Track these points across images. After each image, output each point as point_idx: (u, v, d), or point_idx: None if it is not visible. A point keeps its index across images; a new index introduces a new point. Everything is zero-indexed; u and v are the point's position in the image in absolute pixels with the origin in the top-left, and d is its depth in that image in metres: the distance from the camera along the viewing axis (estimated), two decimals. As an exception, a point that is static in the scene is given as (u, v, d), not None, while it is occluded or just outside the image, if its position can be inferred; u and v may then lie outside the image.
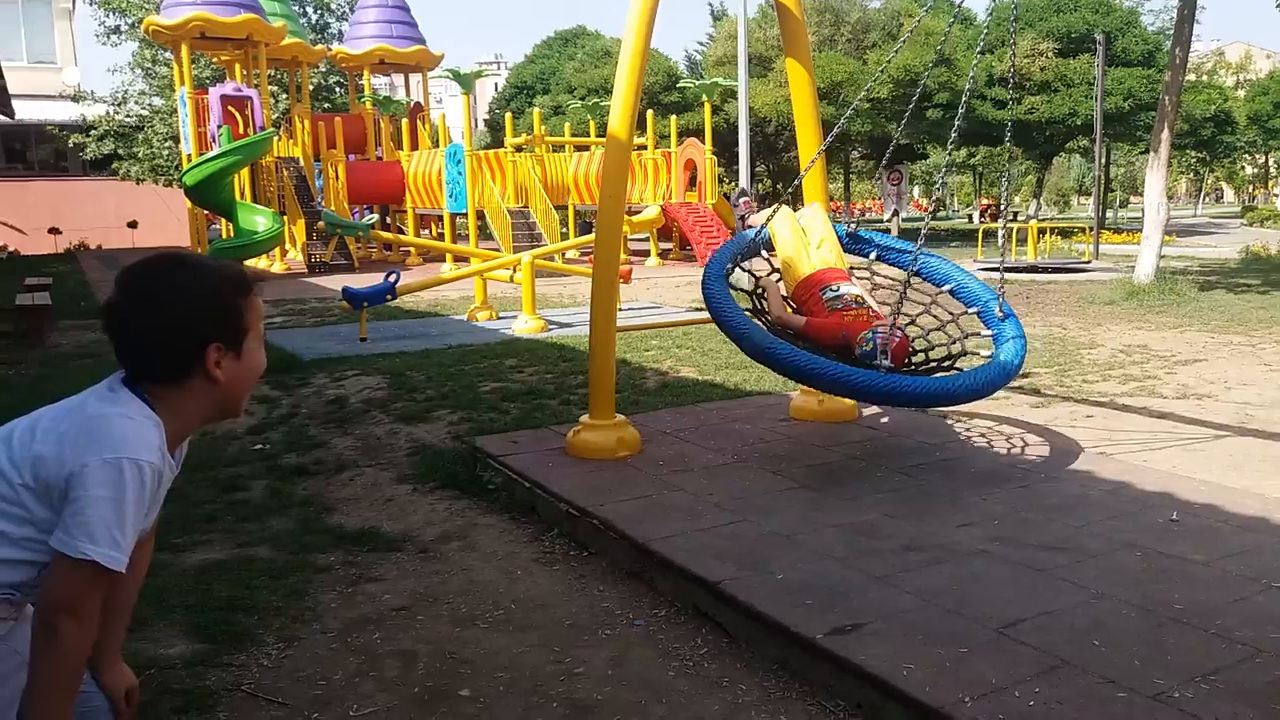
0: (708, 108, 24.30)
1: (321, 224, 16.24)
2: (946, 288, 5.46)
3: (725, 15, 41.40)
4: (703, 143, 23.75)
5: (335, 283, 15.36)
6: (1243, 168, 65.95)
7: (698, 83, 25.94)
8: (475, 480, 5.11)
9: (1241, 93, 51.33)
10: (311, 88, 30.78)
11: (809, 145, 5.91)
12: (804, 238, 5.52)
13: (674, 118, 25.96)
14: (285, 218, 21.54)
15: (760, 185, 46.15)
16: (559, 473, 4.85)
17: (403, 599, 3.76)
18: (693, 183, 24.52)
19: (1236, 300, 12.50)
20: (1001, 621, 3.08)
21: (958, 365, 5.20)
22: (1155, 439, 5.54)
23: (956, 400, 4.78)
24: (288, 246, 22.76)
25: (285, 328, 11.50)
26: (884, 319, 4.98)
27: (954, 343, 5.33)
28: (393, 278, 10.44)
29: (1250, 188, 69.75)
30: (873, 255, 5.76)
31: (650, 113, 25.30)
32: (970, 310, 5.35)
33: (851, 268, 5.63)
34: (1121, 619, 3.09)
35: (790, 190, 5.72)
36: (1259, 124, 47.50)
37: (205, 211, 21.84)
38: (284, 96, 29.96)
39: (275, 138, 22.66)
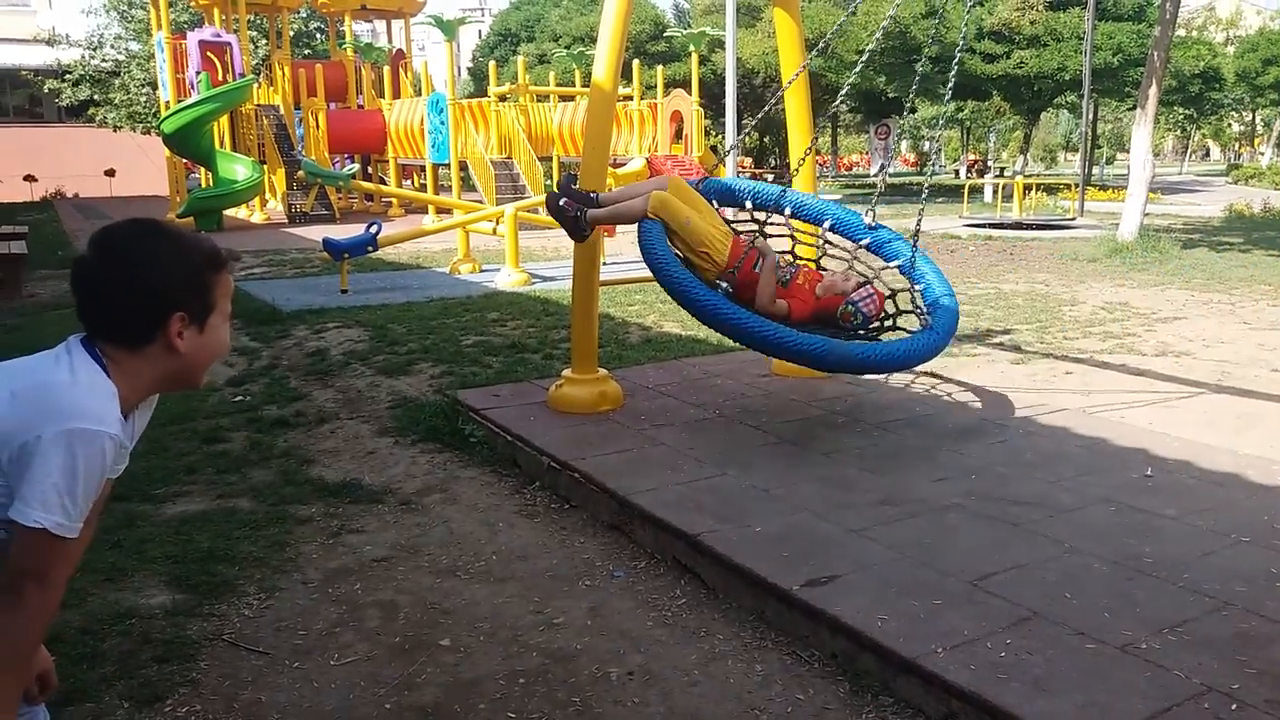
0: (695, 58, 24.01)
1: (302, 173, 16.03)
2: (826, 225, 5.30)
3: (713, -37, 40.72)
4: (689, 94, 23.53)
5: (316, 233, 15.22)
6: (1229, 125, 65.91)
7: (685, 32, 25.62)
8: (457, 433, 5.11)
9: (1231, 49, 51.08)
10: (292, 34, 30.22)
11: (796, 98, 5.86)
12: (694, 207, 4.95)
13: (660, 68, 25.66)
14: (265, 166, 21.26)
15: (748, 139, 45.76)
16: (541, 426, 4.86)
17: (383, 550, 3.78)
18: (679, 135, 24.32)
19: (1218, 259, 12.56)
20: (975, 574, 3.13)
21: (899, 325, 5.11)
22: (1133, 396, 5.59)
23: (905, 365, 4.66)
24: (268, 196, 22.49)
25: (265, 278, 11.41)
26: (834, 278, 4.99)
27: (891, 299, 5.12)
28: (374, 229, 10.36)
29: (1236, 145, 69.76)
30: (748, 204, 5.35)
31: (636, 63, 24.97)
32: (890, 265, 5.18)
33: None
34: (1093, 572, 3.14)
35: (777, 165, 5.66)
36: (1247, 81, 47.35)
37: (184, 160, 21.53)
38: (264, 43, 29.46)
39: (255, 85, 22.30)
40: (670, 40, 28.22)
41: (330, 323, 8.14)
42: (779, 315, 4.70)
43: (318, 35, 35.77)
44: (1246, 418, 5.16)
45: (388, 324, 7.92)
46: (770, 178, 33.18)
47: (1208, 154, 78.37)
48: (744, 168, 36.75)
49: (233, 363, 6.98)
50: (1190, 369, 6.35)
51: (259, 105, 22.50)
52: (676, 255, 4.63)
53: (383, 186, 22.12)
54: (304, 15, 33.84)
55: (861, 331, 4.83)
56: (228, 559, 3.64)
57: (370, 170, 26.81)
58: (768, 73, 29.78)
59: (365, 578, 3.53)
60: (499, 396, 5.48)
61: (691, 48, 24.16)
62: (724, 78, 14.64)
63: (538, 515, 4.14)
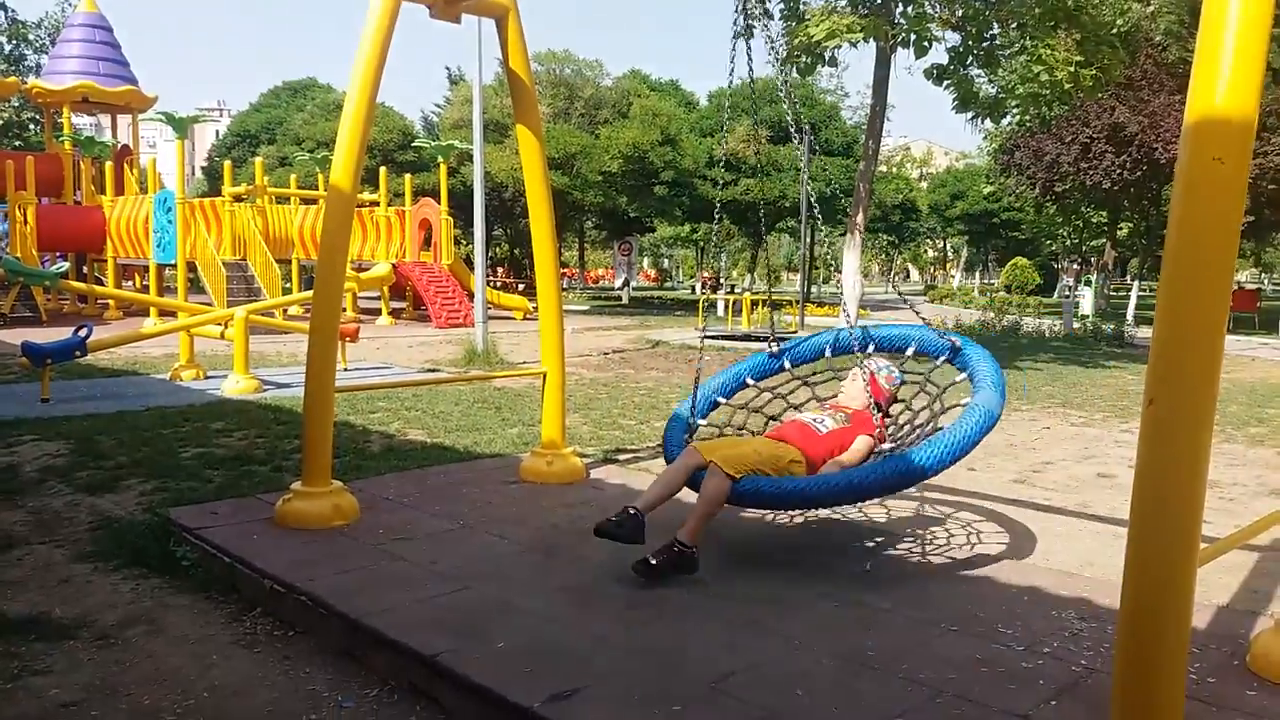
0: (444, 169, 24.22)
1: (1, 271, 14.49)
2: (910, 350, 5.27)
3: (462, 79, 41.70)
4: (438, 203, 23.61)
5: (16, 336, 13.72)
6: (925, 251, 74.33)
7: (434, 144, 25.85)
8: (168, 556, 4.63)
9: (924, 184, 58.04)
10: (1, 123, 27.72)
11: (539, 211, 6.00)
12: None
13: (409, 176, 25.67)
14: (-44, 263, 19.03)
15: (498, 249, 46.38)
16: (264, 545, 4.51)
17: (74, 693, 3.31)
18: (428, 243, 24.25)
19: (919, 368, 13.89)
20: (715, 675, 3.16)
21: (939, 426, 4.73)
22: (853, 495, 5.98)
23: (934, 470, 4.24)
24: (-42, 295, 20.13)
25: (-53, 387, 10.09)
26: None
27: (935, 406, 4.98)
28: (84, 332, 9.48)
29: (932, 269, 78.61)
30: (786, 364, 5.48)
31: (383, 170, 24.86)
32: (938, 363, 5.17)
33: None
34: (821, 667, 3.26)
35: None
36: (938, 213, 53.84)
37: None
38: (-37, 129, 26.81)
39: (-53, 173, 20.14)
40: (419, 150, 28.36)
41: (26, 435, 7.28)
42: (876, 445, 4.71)
43: (31, 126, 33.07)
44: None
45: (94, 435, 7.19)
46: (521, 287, 33.66)
47: (908, 276, 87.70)
48: (494, 277, 37.12)
49: (-105, 483, 6.05)
50: (902, 469, 6.88)
51: (-48, 195, 20.31)
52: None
53: (97, 287, 20.43)
54: (16, 104, 31.25)
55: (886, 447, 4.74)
56: None
57: (86, 269, 24.71)
58: (516, 187, 30.48)
59: (48, 728, 3.07)
60: (217, 514, 5.05)
61: (440, 158, 24.38)
62: (473, 189, 14.81)
63: (258, 645, 3.80)
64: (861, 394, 4.95)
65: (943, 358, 5.06)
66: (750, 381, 5.47)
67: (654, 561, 4.08)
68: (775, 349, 5.47)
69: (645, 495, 4.39)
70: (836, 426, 4.76)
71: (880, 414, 4.89)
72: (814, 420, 4.83)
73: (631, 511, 4.24)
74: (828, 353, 5.41)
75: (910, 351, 5.24)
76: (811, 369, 5.58)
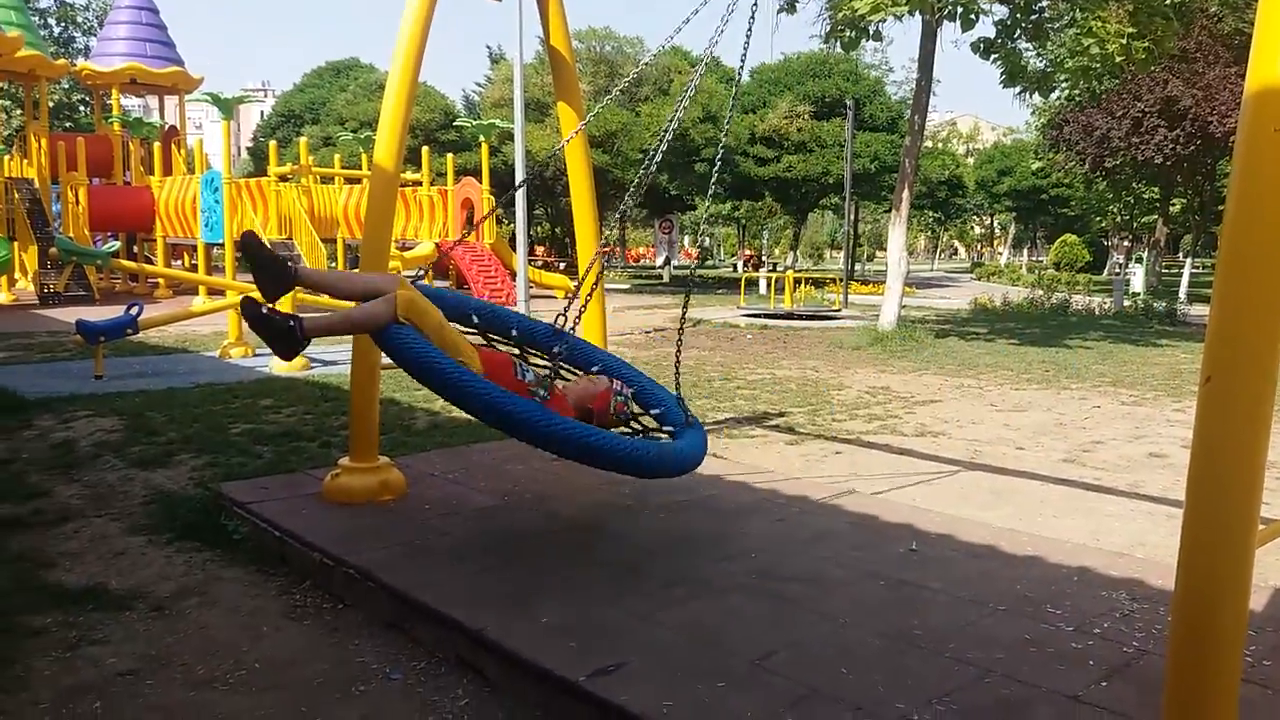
0: (485, 148, 24.28)
1: (55, 250, 14.81)
2: (654, 411, 5.05)
3: (503, 58, 41.66)
4: (480, 182, 23.69)
5: (70, 315, 14.04)
6: (972, 228, 73.16)
7: (475, 123, 25.90)
8: (219, 530, 4.73)
9: (971, 160, 57.07)
10: (52, 105, 28.26)
11: (580, 189, 5.99)
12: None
13: (450, 156, 25.76)
14: (15, 243, 19.54)
15: (539, 228, 46.51)
16: (313, 520, 4.58)
17: (130, 662, 3.40)
18: (470, 222, 24.35)
19: (967, 347, 13.74)
20: (756, 653, 3.16)
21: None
22: (896, 473, 5.94)
23: (638, 470, 4.30)
24: (17, 275, 20.64)
25: (8, 364, 10.35)
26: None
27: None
28: (135, 310, 9.66)
29: (979, 246, 77.41)
30: (475, 319, 5.07)
31: (425, 149, 24.97)
32: (664, 428, 5.00)
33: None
34: (866, 646, 3.25)
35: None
36: (985, 189, 52.95)
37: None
38: (18, 112, 27.40)
39: (6, 156, 20.62)
40: (460, 130, 28.46)
41: (81, 411, 7.45)
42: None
43: (81, 108, 33.65)
44: (996, 492, 5.58)
45: (146, 412, 7.34)
46: (563, 266, 33.71)
47: (955, 253, 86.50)
48: (535, 255, 37.20)
49: (-42, 457, 6.23)
50: (946, 448, 6.83)
51: (10, 178, 20.78)
52: None
53: (147, 265, 20.81)
54: (66, 86, 31.81)
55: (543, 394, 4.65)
56: (-65, 683, 3.16)
57: (136, 249, 25.18)
58: (557, 165, 30.47)
59: (107, 695, 3.16)
60: (267, 489, 5.13)
61: (482, 138, 24.43)
62: (514, 168, 14.83)
63: (308, 617, 3.87)
64: (586, 394, 4.74)
65: (671, 427, 4.92)
66: (514, 332, 5.16)
67: (265, 311, 4.04)
68: (562, 325, 4.94)
69: (323, 270, 4.24)
70: (536, 390, 4.43)
71: (617, 402, 4.78)
72: (522, 369, 4.60)
73: (293, 270, 4.21)
74: (595, 369, 5.13)
75: (654, 412, 5.06)
76: (570, 367, 5.19)
